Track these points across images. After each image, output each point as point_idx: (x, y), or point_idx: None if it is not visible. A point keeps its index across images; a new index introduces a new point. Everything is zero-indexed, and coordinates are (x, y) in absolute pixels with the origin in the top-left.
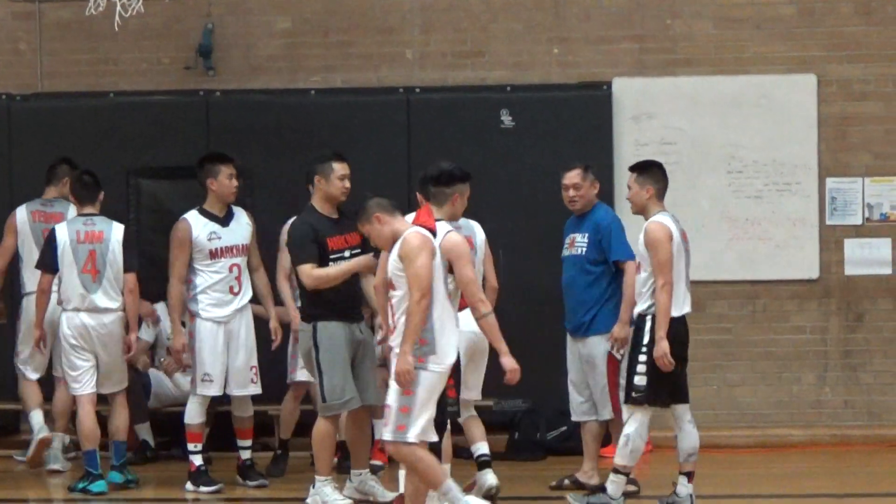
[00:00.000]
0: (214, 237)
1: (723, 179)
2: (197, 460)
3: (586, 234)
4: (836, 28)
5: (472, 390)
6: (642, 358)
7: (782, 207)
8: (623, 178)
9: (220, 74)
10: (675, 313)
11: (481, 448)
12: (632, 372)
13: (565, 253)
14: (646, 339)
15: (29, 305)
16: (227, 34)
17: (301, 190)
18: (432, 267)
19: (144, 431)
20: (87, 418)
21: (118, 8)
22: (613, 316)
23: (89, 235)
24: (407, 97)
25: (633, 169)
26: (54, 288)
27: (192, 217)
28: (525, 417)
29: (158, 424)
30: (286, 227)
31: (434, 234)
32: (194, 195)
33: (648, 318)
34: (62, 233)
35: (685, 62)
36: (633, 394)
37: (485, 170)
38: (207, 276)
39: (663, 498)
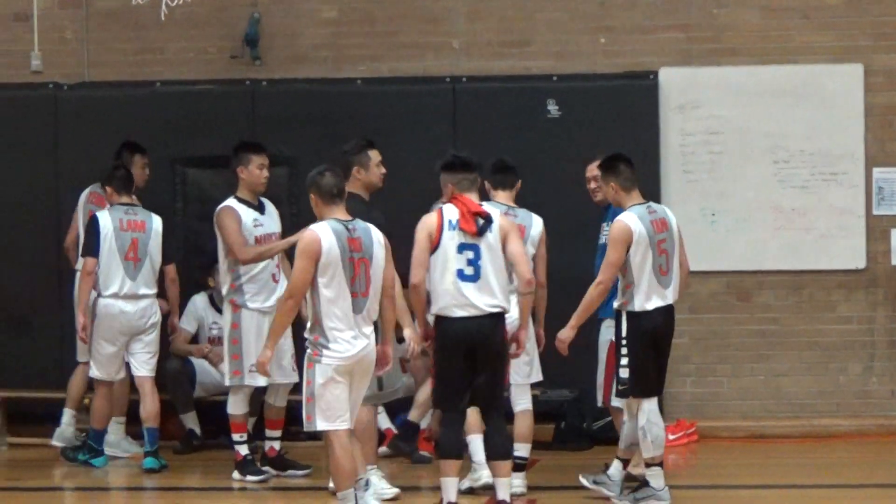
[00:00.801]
0: (258, 224)
1: (769, 169)
2: (243, 450)
3: (608, 223)
4: (883, 17)
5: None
6: (623, 351)
7: (828, 197)
8: (669, 168)
9: (266, 64)
10: (649, 307)
11: (520, 449)
12: (617, 366)
13: (600, 242)
14: (623, 334)
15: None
16: (273, 23)
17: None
18: (309, 271)
19: (190, 420)
20: (103, 400)
21: None
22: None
23: (132, 224)
24: (452, 86)
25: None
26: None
27: (234, 204)
28: (571, 407)
29: (204, 413)
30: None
31: (484, 216)
32: None
33: (623, 314)
34: (105, 220)
35: (731, 51)
36: (619, 387)
37: (530, 159)
38: (252, 264)
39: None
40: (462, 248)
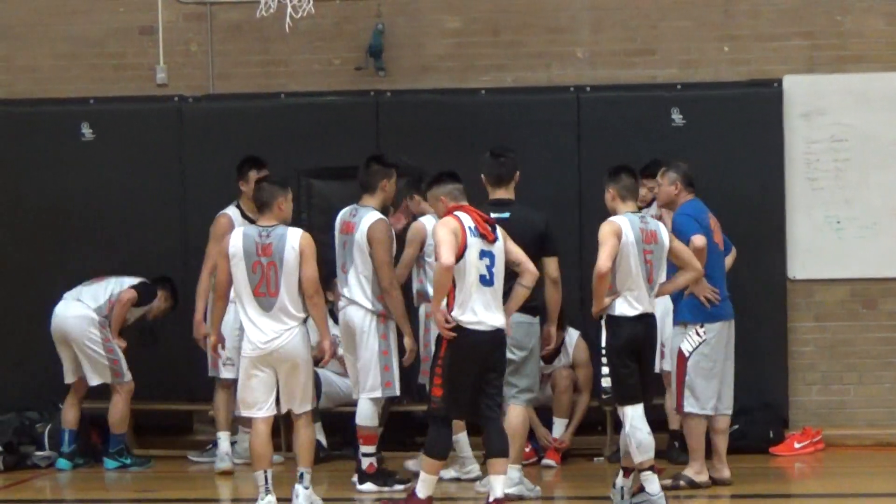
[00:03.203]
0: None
1: (895, 176)
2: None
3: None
4: None
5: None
6: (604, 360)
7: None
8: (794, 176)
9: (391, 74)
10: (630, 313)
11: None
12: (599, 374)
13: None
14: (603, 343)
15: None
16: (397, 34)
17: (472, 189)
18: (225, 269)
19: (316, 432)
20: (125, 404)
21: (289, 9)
22: (687, 308)
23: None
24: (577, 96)
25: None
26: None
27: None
28: None
29: (330, 424)
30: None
31: (493, 224)
32: None
33: (602, 320)
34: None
35: (856, 58)
36: (603, 395)
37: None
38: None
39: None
40: (482, 254)
